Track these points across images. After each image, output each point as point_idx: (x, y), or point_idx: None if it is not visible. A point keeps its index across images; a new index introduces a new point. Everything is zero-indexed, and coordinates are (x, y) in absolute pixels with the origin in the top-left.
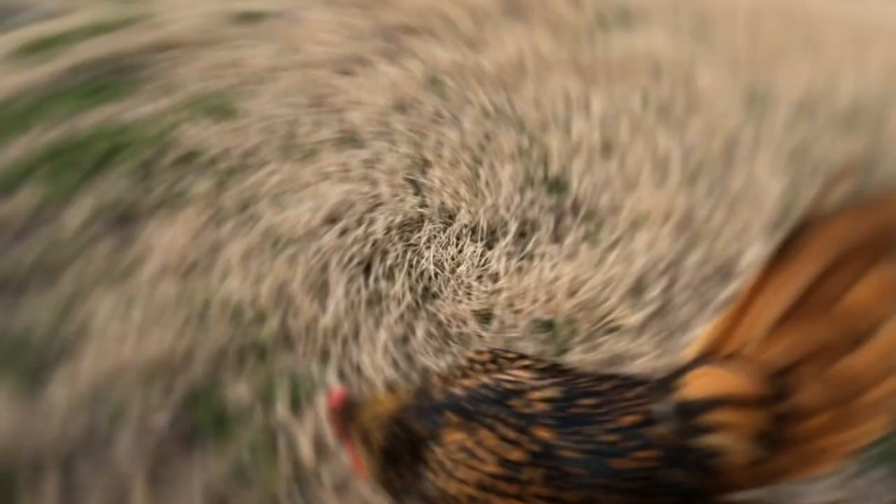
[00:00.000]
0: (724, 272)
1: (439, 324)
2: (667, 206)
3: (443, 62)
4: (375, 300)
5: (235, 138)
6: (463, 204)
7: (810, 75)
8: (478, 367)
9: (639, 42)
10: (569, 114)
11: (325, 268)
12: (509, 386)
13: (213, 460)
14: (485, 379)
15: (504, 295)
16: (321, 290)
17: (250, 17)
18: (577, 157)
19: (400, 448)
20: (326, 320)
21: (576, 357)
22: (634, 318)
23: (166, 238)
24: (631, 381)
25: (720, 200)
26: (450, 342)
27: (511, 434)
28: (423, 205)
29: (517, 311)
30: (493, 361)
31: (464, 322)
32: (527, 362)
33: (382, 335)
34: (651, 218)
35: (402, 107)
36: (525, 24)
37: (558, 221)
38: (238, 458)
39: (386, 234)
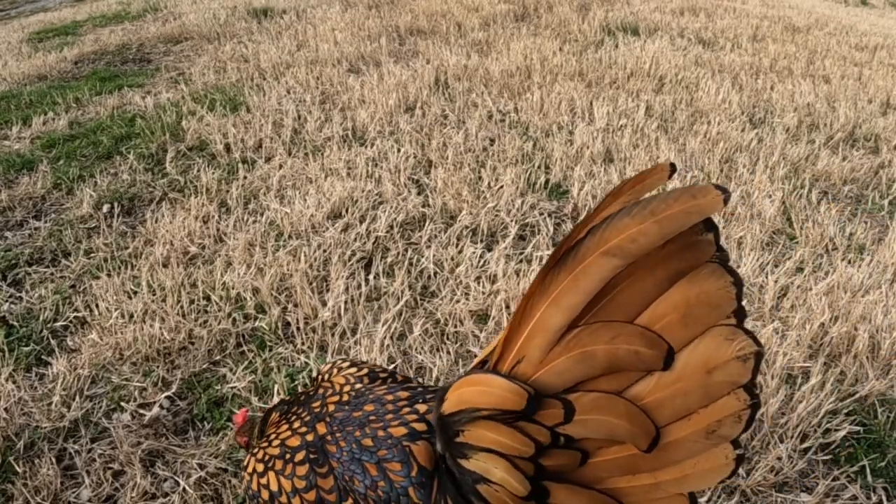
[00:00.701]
0: None
1: (437, 322)
2: None
3: (451, 65)
4: (375, 296)
5: (244, 131)
6: (464, 205)
7: (811, 94)
8: (324, 376)
9: (644, 53)
10: (572, 121)
11: (326, 262)
12: (321, 391)
13: (209, 447)
14: (312, 388)
15: (501, 296)
16: (322, 284)
17: (263, 13)
18: (578, 164)
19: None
20: (325, 314)
21: None
22: None
23: (172, 227)
24: (426, 395)
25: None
26: (446, 340)
27: (299, 426)
28: (425, 204)
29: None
30: (331, 370)
31: (461, 321)
32: (352, 371)
33: (380, 331)
34: None
35: (409, 107)
36: (533, 32)
37: (557, 226)
38: (233, 446)
39: (388, 231)
